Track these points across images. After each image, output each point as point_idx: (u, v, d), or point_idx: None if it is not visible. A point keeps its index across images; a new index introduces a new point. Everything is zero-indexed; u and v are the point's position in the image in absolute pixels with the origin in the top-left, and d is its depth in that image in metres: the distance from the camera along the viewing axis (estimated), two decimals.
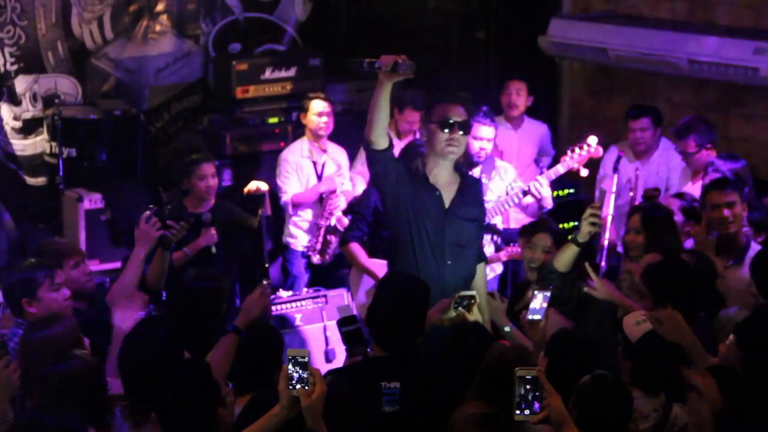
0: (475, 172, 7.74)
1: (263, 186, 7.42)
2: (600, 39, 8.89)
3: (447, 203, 5.87)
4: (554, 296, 5.75)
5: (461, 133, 5.82)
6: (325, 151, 8.24)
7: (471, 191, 5.98)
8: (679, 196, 7.07)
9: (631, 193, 7.79)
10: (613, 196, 7.70)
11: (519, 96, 8.54)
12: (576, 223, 7.80)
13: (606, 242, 7.40)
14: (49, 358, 4.54)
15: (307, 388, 3.87)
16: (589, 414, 4.22)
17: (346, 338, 5.25)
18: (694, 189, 7.29)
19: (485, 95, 9.69)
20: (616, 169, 7.84)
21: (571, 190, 8.82)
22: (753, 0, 8.51)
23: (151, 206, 5.85)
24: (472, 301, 5.62)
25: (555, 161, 9.05)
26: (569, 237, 5.87)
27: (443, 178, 5.90)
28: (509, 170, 7.77)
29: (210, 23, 9.65)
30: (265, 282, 7.20)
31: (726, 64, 8.10)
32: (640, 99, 8.84)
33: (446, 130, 5.79)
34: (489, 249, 7.44)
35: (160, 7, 9.42)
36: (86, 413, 4.39)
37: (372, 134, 5.71)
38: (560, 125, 9.82)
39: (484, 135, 7.43)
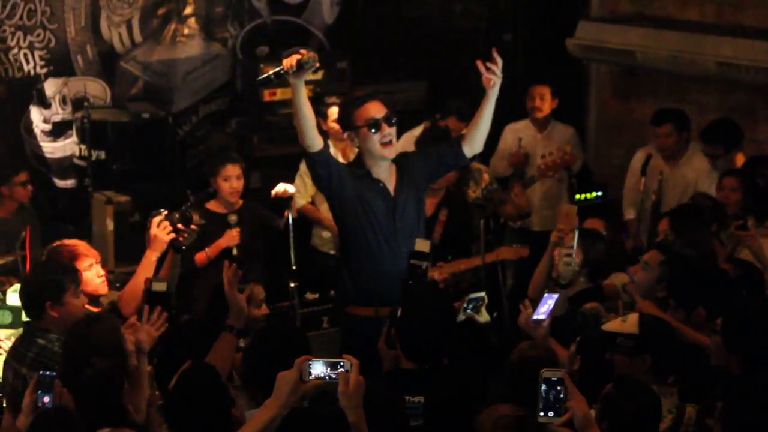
0: None
1: (290, 188, 7.41)
2: (628, 41, 8.87)
3: (392, 191, 5.89)
4: None
5: (389, 126, 5.81)
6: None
7: (407, 171, 5.95)
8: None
9: (654, 197, 7.78)
10: (641, 198, 7.69)
11: (543, 101, 8.62)
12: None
13: (630, 247, 7.40)
14: (89, 356, 4.53)
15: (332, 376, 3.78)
16: (620, 422, 4.13)
17: (410, 269, 5.50)
18: None
19: (511, 97, 9.68)
20: (644, 172, 7.84)
21: (599, 193, 8.81)
22: None
23: (161, 210, 5.84)
24: (482, 302, 5.62)
25: (584, 164, 9.04)
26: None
27: (384, 171, 5.91)
28: (483, 174, 7.83)
29: (238, 26, 9.67)
30: (291, 284, 7.27)
31: (755, 66, 8.07)
32: (667, 102, 8.81)
33: (375, 131, 5.79)
34: None
35: (188, 10, 9.45)
36: (100, 416, 4.39)
37: (305, 139, 5.70)
38: (587, 128, 9.80)
39: None
